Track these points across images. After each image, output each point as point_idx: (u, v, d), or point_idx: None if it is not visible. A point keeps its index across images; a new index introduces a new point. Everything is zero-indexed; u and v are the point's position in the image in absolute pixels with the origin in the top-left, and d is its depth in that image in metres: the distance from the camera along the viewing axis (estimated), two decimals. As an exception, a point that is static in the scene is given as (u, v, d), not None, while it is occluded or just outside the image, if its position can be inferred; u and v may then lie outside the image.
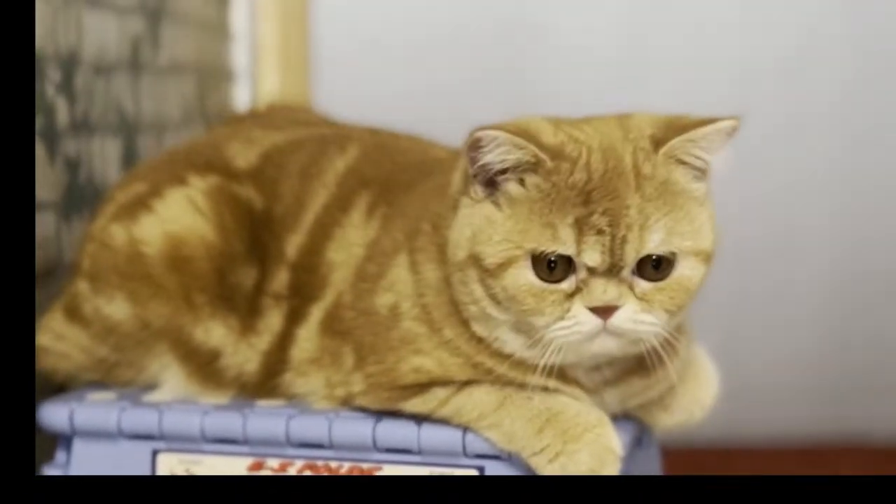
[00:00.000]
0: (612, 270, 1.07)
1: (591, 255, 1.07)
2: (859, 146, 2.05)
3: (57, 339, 1.30)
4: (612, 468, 1.12)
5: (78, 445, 1.24)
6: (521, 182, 1.09)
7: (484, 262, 1.09)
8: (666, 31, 2.04)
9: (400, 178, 1.25)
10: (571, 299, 1.08)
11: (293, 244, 1.26)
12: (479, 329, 1.14)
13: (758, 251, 2.04)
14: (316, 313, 1.24)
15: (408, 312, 1.17)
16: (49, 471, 1.25)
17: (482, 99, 1.97)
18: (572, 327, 1.08)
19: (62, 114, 1.42)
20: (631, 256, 1.07)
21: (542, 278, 1.08)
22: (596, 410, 1.15)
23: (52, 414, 1.24)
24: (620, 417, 1.19)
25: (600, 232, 1.06)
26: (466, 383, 1.16)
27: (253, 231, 1.27)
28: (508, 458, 1.15)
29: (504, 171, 1.09)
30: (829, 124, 2.05)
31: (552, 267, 1.08)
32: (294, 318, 1.24)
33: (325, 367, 1.22)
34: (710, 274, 1.12)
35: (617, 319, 1.08)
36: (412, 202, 1.22)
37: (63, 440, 1.26)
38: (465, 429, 1.16)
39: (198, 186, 1.28)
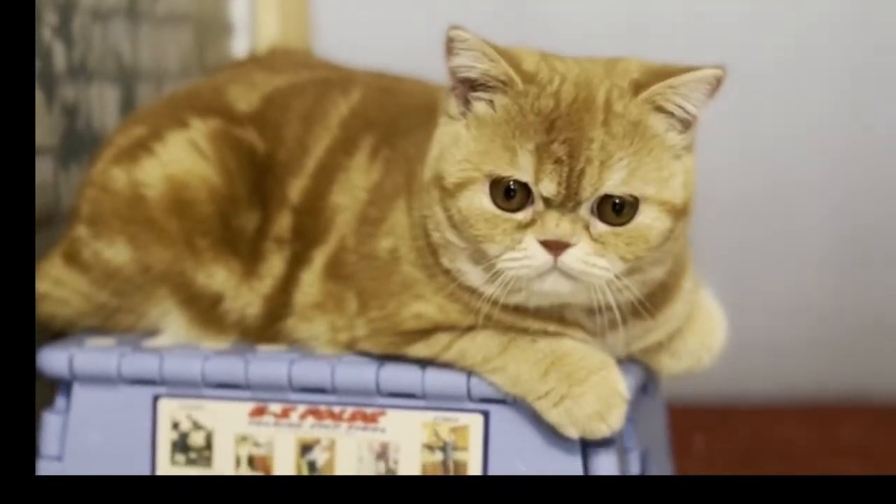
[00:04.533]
0: (568, 205, 1.05)
1: (547, 185, 1.04)
2: (863, 92, 2.03)
3: (56, 285, 1.29)
4: (619, 411, 1.11)
5: (78, 391, 1.23)
6: (491, 104, 1.07)
7: (444, 181, 1.08)
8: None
9: (403, 120, 1.24)
10: (524, 231, 1.06)
11: (296, 188, 1.24)
12: (445, 261, 1.12)
13: (760, 203, 2.03)
14: (319, 257, 1.23)
15: (406, 257, 1.16)
16: (49, 416, 1.23)
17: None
18: (522, 259, 1.06)
19: (59, 58, 1.40)
20: (587, 191, 1.04)
21: (498, 205, 1.06)
22: (601, 353, 1.14)
23: (52, 359, 1.23)
24: (627, 362, 1.18)
25: (558, 161, 1.04)
26: (470, 328, 1.15)
27: (255, 174, 1.25)
28: (513, 401, 1.15)
29: (476, 85, 1.08)
30: (831, 74, 2.03)
31: (511, 195, 1.06)
32: (297, 262, 1.23)
33: (329, 312, 1.21)
34: (681, 230, 1.09)
35: (568, 258, 1.05)
36: (413, 145, 1.21)
37: (63, 386, 1.24)
38: (470, 373, 1.15)
39: (199, 129, 1.26)
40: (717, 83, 1.07)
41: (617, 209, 1.06)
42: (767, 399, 2.05)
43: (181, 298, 1.25)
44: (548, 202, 1.05)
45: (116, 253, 1.25)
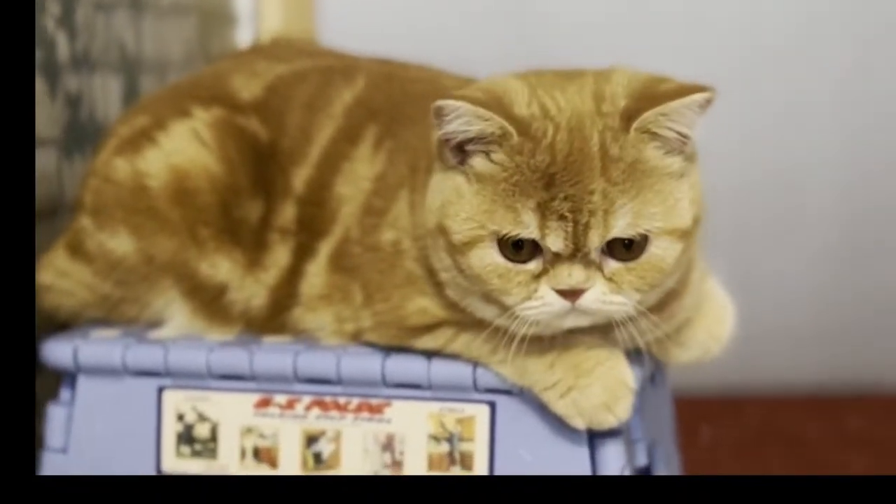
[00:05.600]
0: (577, 254, 1.05)
1: (554, 241, 1.04)
2: (865, 79, 2.02)
3: (60, 277, 1.28)
4: (626, 402, 1.11)
5: (82, 383, 1.22)
6: (488, 156, 1.06)
7: (451, 237, 1.07)
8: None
9: (408, 109, 1.23)
10: (538, 280, 1.06)
11: (300, 178, 1.23)
12: (451, 294, 1.12)
13: (766, 191, 2.02)
14: (324, 249, 1.22)
15: (408, 251, 1.16)
16: (53, 408, 1.23)
17: (486, 33, 1.95)
18: (540, 308, 1.06)
19: (63, 48, 1.39)
20: (595, 242, 1.04)
21: (508, 258, 1.06)
22: (608, 344, 1.13)
23: (56, 351, 1.22)
24: (634, 352, 1.17)
25: (562, 218, 1.04)
26: (474, 322, 1.14)
27: (258, 164, 1.24)
28: (520, 392, 1.14)
29: (470, 141, 1.07)
30: (834, 61, 2.02)
31: (519, 247, 1.06)
32: (302, 253, 1.22)
33: (335, 303, 1.20)
34: (693, 239, 1.09)
35: (585, 301, 1.05)
36: (417, 135, 1.20)
37: (67, 378, 1.24)
38: (476, 364, 1.15)
39: (202, 118, 1.25)
40: (706, 104, 1.06)
41: (627, 245, 1.06)
42: (775, 389, 2.04)
43: (185, 289, 1.24)
44: (557, 253, 1.05)
45: (120, 243, 1.24)
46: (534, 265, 1.06)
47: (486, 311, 1.10)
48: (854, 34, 2.01)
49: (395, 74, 1.29)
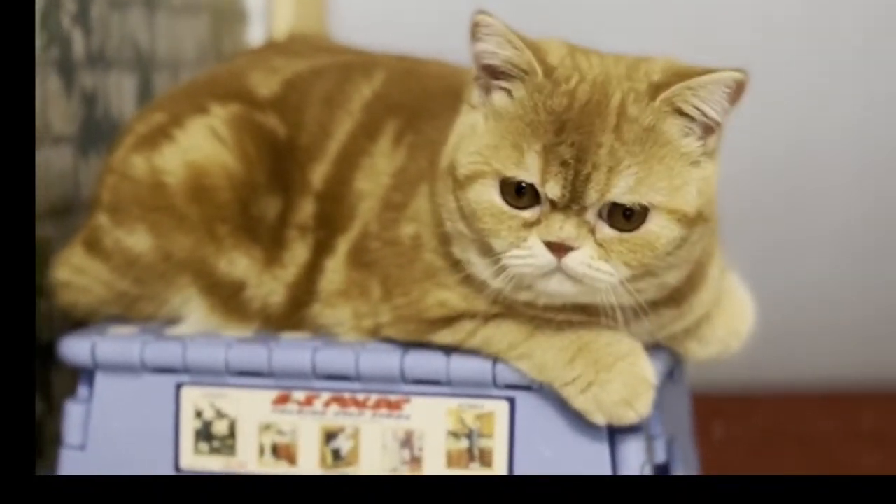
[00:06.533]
0: (573, 208, 1.03)
1: (553, 187, 1.03)
2: (885, 83, 2.02)
3: (77, 274, 1.28)
4: (646, 398, 1.10)
5: (100, 379, 1.22)
6: (510, 94, 1.06)
7: (456, 171, 1.07)
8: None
9: (428, 104, 1.23)
10: (530, 229, 1.05)
11: (319, 174, 1.23)
12: (456, 250, 1.11)
13: (781, 190, 2.02)
14: (343, 245, 1.21)
15: (428, 244, 1.15)
16: (71, 406, 1.23)
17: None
18: (525, 258, 1.05)
19: (78, 46, 1.39)
20: (593, 196, 1.03)
21: (507, 201, 1.05)
22: (628, 339, 1.12)
23: (74, 348, 1.22)
24: (653, 347, 1.17)
25: (564, 164, 1.03)
26: (495, 315, 1.14)
27: (276, 160, 1.24)
28: (539, 388, 1.14)
29: (498, 73, 1.06)
30: (853, 66, 2.02)
31: (521, 192, 1.05)
32: (321, 249, 1.22)
33: (353, 299, 1.20)
34: (699, 235, 1.07)
35: (571, 260, 1.04)
36: (438, 129, 1.19)
37: (85, 375, 1.23)
38: (495, 359, 1.14)
39: (219, 115, 1.25)
40: (737, 87, 1.05)
41: (627, 215, 1.04)
42: (787, 386, 2.04)
43: (203, 286, 1.24)
44: (553, 204, 1.04)
45: (137, 240, 1.24)
46: (528, 213, 1.05)
47: (480, 267, 1.09)
48: (874, 44, 2.01)
49: (414, 70, 1.28)
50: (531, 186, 1.04)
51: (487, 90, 1.08)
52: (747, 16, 2.00)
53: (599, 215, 1.04)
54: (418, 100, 1.24)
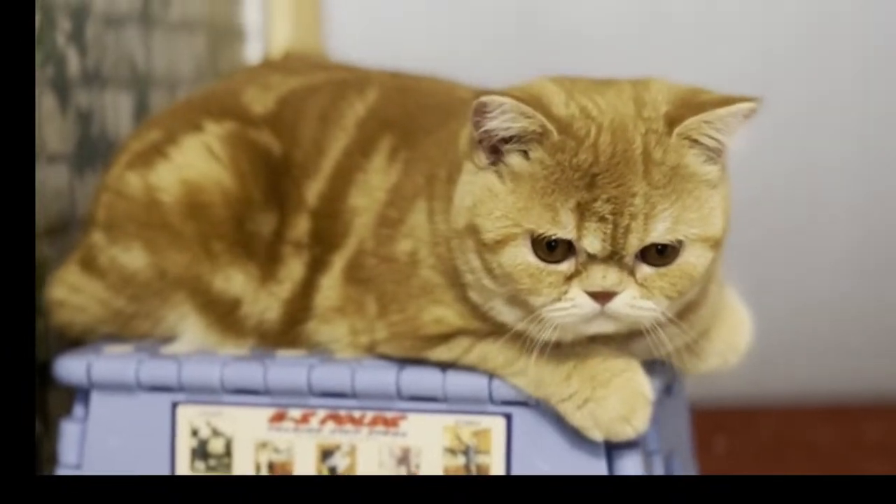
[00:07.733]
0: (613, 257, 1.04)
1: (592, 242, 1.04)
2: (887, 91, 2.01)
3: (73, 292, 1.28)
4: (643, 413, 1.10)
5: (96, 399, 1.22)
6: (525, 155, 1.06)
7: (482, 235, 1.07)
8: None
9: (422, 120, 1.22)
10: (570, 281, 1.05)
11: (313, 190, 1.23)
12: (474, 297, 1.11)
13: (782, 202, 2.01)
14: (339, 261, 1.21)
15: (425, 260, 1.15)
16: (67, 425, 1.22)
17: (495, 46, 1.94)
18: (569, 309, 1.05)
19: (73, 64, 1.39)
20: (633, 246, 1.04)
21: (540, 258, 1.05)
22: (625, 355, 1.12)
23: (69, 367, 1.22)
24: (651, 363, 1.17)
25: (602, 220, 1.03)
26: (491, 332, 1.13)
27: (271, 177, 1.24)
28: (536, 404, 1.13)
29: (508, 140, 1.06)
30: (855, 71, 2.01)
31: (552, 247, 1.05)
32: (316, 266, 1.22)
33: (350, 316, 1.20)
34: (720, 255, 1.09)
35: (615, 305, 1.05)
36: (433, 145, 1.19)
37: (80, 394, 1.23)
38: (492, 376, 1.14)
39: (214, 132, 1.25)
40: (751, 114, 1.06)
41: (660, 251, 1.05)
42: (790, 399, 2.03)
43: (198, 303, 1.24)
44: (591, 255, 1.04)
45: (132, 258, 1.24)
46: (566, 266, 1.05)
47: (508, 315, 1.09)
48: (875, 50, 2.01)
49: (409, 87, 1.28)
50: (564, 240, 1.04)
51: (495, 152, 1.07)
52: (748, 39, 2.00)
53: (636, 256, 1.05)
54: (412, 116, 1.24)
